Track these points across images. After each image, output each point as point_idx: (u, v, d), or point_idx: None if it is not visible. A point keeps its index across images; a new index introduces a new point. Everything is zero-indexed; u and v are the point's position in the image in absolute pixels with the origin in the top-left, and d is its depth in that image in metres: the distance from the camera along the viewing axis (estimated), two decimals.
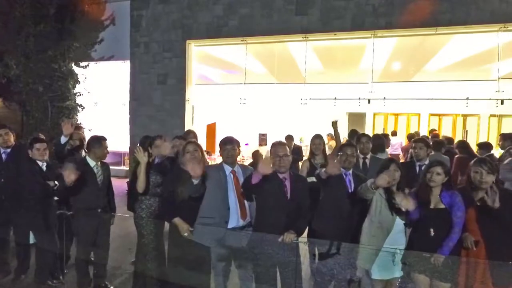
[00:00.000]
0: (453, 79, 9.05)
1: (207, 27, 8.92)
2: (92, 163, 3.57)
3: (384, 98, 8.03)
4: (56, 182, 3.66)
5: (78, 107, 10.63)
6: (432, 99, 8.03)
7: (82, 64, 10.94)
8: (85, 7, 10.48)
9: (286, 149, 2.93)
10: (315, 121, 10.79)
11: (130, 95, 9.91)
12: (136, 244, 3.58)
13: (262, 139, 11.83)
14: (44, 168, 3.67)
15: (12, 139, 4.02)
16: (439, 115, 12.55)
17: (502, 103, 6.95)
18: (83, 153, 4.18)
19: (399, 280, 3.16)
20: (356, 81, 9.10)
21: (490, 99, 7.26)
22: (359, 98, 8.09)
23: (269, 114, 11.79)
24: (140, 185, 3.24)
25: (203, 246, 2.98)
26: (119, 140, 10.23)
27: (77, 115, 10.65)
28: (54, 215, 3.67)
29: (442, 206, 2.76)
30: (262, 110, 11.46)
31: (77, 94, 10.70)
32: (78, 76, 10.70)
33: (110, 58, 11.69)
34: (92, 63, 11.26)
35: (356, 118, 12.93)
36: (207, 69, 10.89)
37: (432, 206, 2.79)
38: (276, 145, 2.98)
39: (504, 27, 6.93)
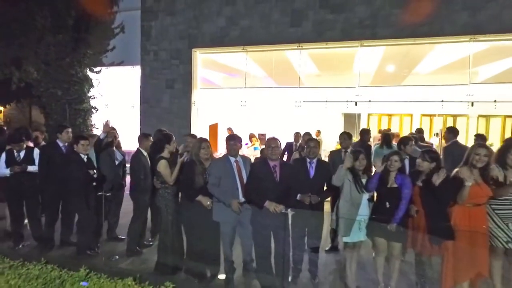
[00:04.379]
0: (435, 83, 9.89)
1: (211, 37, 9.83)
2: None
3: (370, 101, 8.92)
4: (95, 171, 4.59)
5: (93, 109, 11.55)
6: (416, 101, 8.91)
7: (96, 69, 11.85)
8: (98, 17, 11.38)
9: (277, 142, 3.85)
10: (310, 121, 11.64)
11: (141, 98, 10.78)
12: (159, 218, 4.50)
13: (262, 139, 12.49)
14: (85, 159, 4.58)
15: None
16: (430, 115, 13.26)
17: (472, 105, 7.88)
18: (114, 148, 5.12)
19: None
20: (349, 85, 9.96)
21: (461, 101, 8.17)
22: (347, 101, 8.98)
23: (267, 115, 12.58)
24: (173, 179, 4.15)
25: (213, 222, 3.88)
26: (127, 140, 11.05)
27: (91, 117, 11.56)
28: (93, 197, 4.58)
29: (395, 185, 3.67)
30: (261, 112, 12.25)
31: (92, 97, 11.61)
32: (92, 81, 11.61)
33: (120, 63, 12.60)
34: (103, 68, 12.13)
35: (351, 118, 13.74)
36: (211, 73, 11.71)
37: (388, 186, 3.70)
38: (269, 139, 3.89)
39: (474, 38, 7.85)
